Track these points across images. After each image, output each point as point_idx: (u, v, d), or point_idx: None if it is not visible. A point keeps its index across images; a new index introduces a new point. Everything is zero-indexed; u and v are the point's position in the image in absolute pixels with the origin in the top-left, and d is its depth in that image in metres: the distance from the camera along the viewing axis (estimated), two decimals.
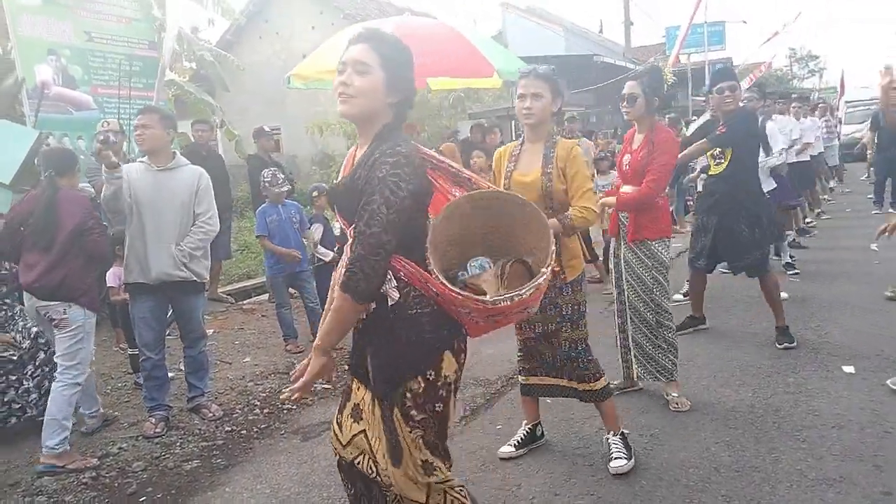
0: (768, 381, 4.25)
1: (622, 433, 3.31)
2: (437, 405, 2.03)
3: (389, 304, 1.95)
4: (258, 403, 4.51)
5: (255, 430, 4.11)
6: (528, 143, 3.25)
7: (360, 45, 1.99)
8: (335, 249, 5.79)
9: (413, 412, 1.99)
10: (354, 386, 2.17)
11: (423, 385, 1.99)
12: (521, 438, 3.49)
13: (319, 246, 6.20)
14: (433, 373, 2.00)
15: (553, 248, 2.10)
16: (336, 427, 2.20)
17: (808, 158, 9.66)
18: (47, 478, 3.58)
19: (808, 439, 3.42)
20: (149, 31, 9.39)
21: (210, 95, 11.38)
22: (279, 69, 15.40)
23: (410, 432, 2.00)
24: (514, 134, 13.61)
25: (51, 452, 3.64)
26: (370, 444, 2.10)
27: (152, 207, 3.99)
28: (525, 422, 3.55)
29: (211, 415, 4.27)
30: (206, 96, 11.06)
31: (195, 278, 4.15)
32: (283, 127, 16.20)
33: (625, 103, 3.90)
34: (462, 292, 1.97)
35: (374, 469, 2.10)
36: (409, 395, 1.98)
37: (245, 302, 7.34)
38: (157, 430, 4.07)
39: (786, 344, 4.79)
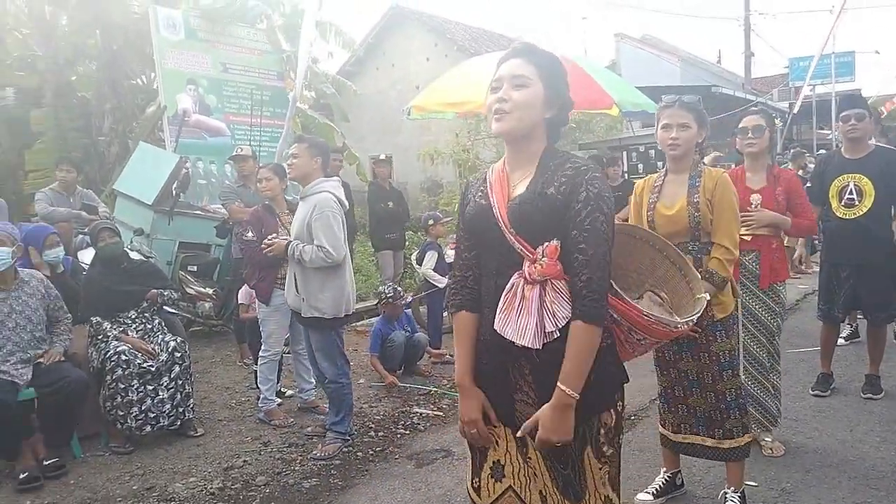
0: None
1: (743, 491, 3.10)
2: (621, 438, 1.97)
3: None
4: (373, 426, 4.59)
5: (371, 452, 4.18)
6: (672, 175, 3.10)
7: (515, 59, 1.88)
8: (448, 276, 5.86)
9: (605, 447, 1.91)
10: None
11: (614, 418, 1.92)
12: (661, 486, 3.27)
13: (432, 272, 6.32)
14: (621, 404, 1.95)
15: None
16: (473, 493, 2.07)
17: None
18: (178, 485, 3.77)
19: None
20: (277, 63, 9.96)
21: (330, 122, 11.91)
22: (394, 99, 15.92)
23: (600, 469, 1.92)
24: (625, 165, 13.34)
25: (260, 408, 4.77)
26: (521, 499, 1.99)
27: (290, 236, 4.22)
28: (664, 469, 3.33)
29: (315, 453, 4.12)
30: (328, 122, 11.56)
31: (315, 314, 4.00)
32: (395, 155, 16.65)
33: (750, 135, 3.81)
34: (650, 314, 1.98)
35: None
36: (602, 430, 1.90)
37: (359, 324, 7.51)
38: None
39: (870, 395, 4.64)
